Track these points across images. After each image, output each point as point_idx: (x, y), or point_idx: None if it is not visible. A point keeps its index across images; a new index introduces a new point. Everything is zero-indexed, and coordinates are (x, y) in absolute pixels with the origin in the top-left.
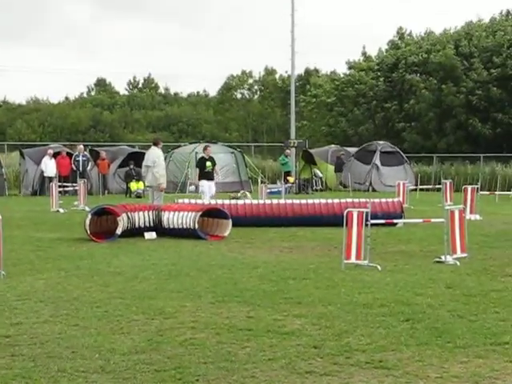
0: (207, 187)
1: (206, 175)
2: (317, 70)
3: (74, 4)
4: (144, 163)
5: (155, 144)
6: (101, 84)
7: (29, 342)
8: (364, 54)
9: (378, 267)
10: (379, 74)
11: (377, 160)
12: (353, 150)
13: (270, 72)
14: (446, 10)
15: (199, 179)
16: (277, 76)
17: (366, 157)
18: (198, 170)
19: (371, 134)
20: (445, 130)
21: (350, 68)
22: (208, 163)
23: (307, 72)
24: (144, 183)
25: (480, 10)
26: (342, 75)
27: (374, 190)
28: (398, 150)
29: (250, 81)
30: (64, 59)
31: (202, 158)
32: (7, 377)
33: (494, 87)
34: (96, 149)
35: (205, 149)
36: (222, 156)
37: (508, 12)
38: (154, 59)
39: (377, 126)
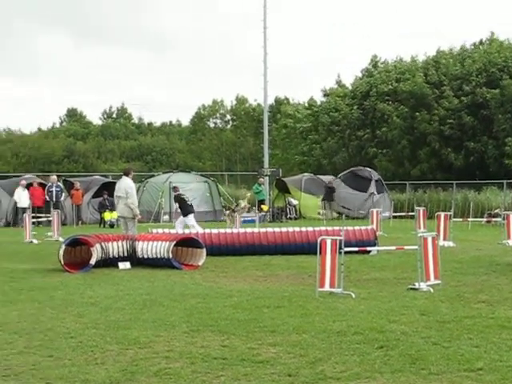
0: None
1: (191, 209)
2: (287, 99)
3: (48, 34)
4: (115, 193)
5: (126, 174)
6: (71, 114)
7: (3, 374)
8: (338, 82)
9: (352, 295)
10: (353, 101)
11: (373, 188)
12: (326, 178)
13: (241, 101)
14: (416, 37)
15: (185, 215)
16: (248, 105)
17: (357, 183)
18: (177, 206)
19: (345, 162)
20: (418, 158)
21: (325, 95)
22: (186, 198)
23: (278, 101)
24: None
25: (453, 38)
26: (318, 102)
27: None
28: (381, 178)
29: (222, 110)
30: (36, 90)
31: (179, 195)
32: None
33: (466, 114)
34: (70, 179)
35: (175, 189)
36: (196, 185)
37: (481, 41)
38: (127, 89)
39: (350, 154)
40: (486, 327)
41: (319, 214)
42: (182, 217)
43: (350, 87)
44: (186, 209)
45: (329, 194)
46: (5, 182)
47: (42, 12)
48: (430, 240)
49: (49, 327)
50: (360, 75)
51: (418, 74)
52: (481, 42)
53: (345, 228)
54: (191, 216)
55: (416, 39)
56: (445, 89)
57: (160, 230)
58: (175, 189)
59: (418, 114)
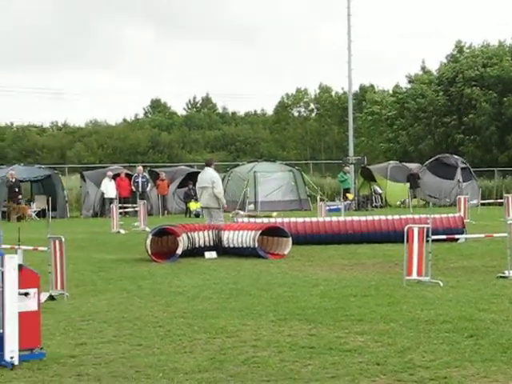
0: None
1: None
2: (372, 86)
3: (131, 25)
4: (198, 185)
5: (209, 165)
6: (155, 105)
7: (93, 362)
8: (423, 68)
9: (440, 283)
10: (439, 87)
11: (459, 176)
12: (413, 165)
13: (324, 90)
14: (505, 22)
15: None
16: (332, 93)
17: (443, 170)
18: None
19: (431, 149)
20: (506, 144)
21: (410, 82)
22: None
23: (362, 89)
24: None
25: None
26: (404, 89)
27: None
28: (468, 165)
29: (306, 99)
30: (121, 81)
31: None
32: None
33: None
34: (155, 169)
35: None
36: (281, 174)
37: None
38: (212, 79)
39: (436, 141)
40: None
41: (401, 202)
42: None
43: (435, 73)
44: None
45: (413, 181)
46: (92, 173)
47: (127, 4)
48: None
49: (137, 316)
50: (445, 61)
51: (505, 59)
52: None
53: (432, 216)
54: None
55: (503, 24)
56: None
57: (245, 220)
58: None
59: (505, 99)
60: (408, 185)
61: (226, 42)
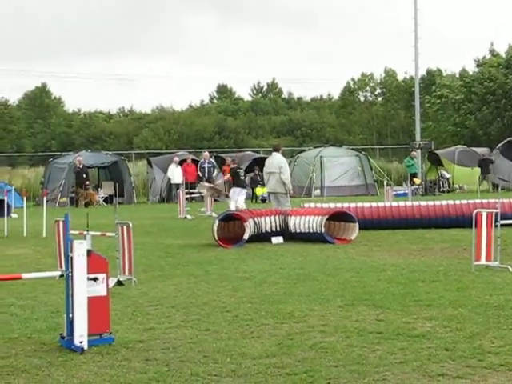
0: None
1: (242, 183)
2: (439, 71)
3: (197, 12)
4: (266, 170)
5: (276, 150)
6: (221, 91)
7: (162, 347)
8: (492, 51)
9: (510, 268)
10: (508, 70)
11: None
12: (481, 150)
13: (390, 74)
14: None
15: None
16: (398, 77)
17: None
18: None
19: (501, 132)
20: None
21: (478, 66)
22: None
23: (430, 73)
24: None
25: None
26: (470, 73)
27: None
28: None
29: (372, 83)
30: (186, 67)
31: (236, 168)
32: (142, 381)
33: None
34: (221, 155)
35: (234, 162)
36: (347, 159)
37: None
38: (277, 64)
39: (506, 124)
40: None
41: (460, 187)
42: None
43: (505, 56)
44: (237, 182)
45: (485, 166)
46: (158, 159)
47: None
48: None
49: (205, 301)
50: None
51: None
52: None
53: (501, 200)
54: (238, 189)
55: None
56: None
57: (312, 205)
58: (233, 161)
59: None
60: (479, 170)
61: (290, 27)
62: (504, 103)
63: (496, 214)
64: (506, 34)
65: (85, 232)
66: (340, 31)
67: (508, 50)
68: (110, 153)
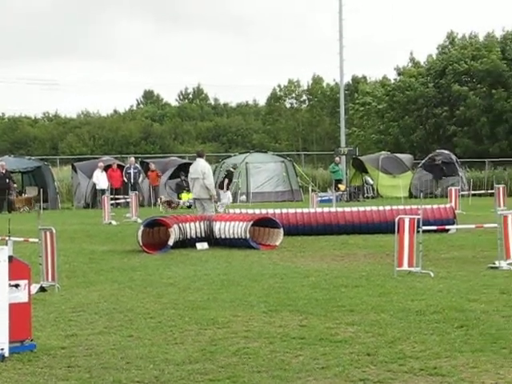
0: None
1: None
2: (365, 77)
3: (125, 17)
4: (190, 176)
5: (200, 156)
6: (148, 96)
7: (84, 354)
8: (412, 59)
9: (431, 274)
10: (428, 79)
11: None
12: (405, 156)
13: (317, 81)
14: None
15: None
16: (324, 84)
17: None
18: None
19: (423, 140)
20: (497, 135)
21: (399, 74)
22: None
23: (355, 80)
24: None
25: None
26: (392, 81)
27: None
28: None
29: (298, 90)
30: (113, 72)
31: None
32: None
33: None
34: (147, 161)
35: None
36: (273, 165)
37: None
38: (204, 70)
39: (428, 132)
40: None
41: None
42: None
43: (424, 65)
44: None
45: (437, 172)
46: (83, 164)
47: None
48: (510, 218)
49: (128, 307)
50: (435, 52)
51: (494, 50)
52: None
53: (423, 207)
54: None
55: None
56: None
57: (237, 211)
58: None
59: (495, 91)
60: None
61: (218, 33)
62: (426, 111)
63: (418, 220)
64: (426, 43)
65: (7, 237)
66: (268, 37)
67: (427, 59)
68: (34, 158)
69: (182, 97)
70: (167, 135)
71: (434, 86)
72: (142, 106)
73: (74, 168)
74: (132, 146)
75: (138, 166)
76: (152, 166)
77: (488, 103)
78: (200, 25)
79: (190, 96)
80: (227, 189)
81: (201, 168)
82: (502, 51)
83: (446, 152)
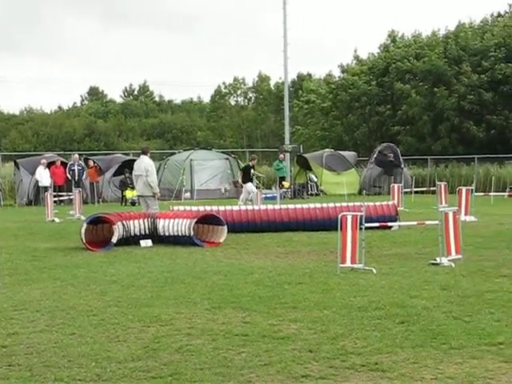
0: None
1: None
2: (310, 75)
3: (70, 13)
4: (134, 173)
5: (144, 153)
6: (93, 93)
7: (25, 352)
8: (356, 57)
9: (374, 270)
10: (371, 77)
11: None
12: (348, 153)
13: (263, 78)
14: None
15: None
16: (271, 82)
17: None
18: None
19: (366, 137)
20: (439, 133)
21: (343, 72)
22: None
23: (300, 77)
24: None
25: (473, 12)
26: (336, 78)
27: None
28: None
29: (243, 88)
30: (58, 69)
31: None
32: None
33: (485, 91)
34: (91, 158)
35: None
36: (217, 162)
37: (498, 14)
38: (149, 67)
39: (371, 129)
40: (508, 301)
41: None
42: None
43: (368, 63)
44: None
45: (389, 168)
46: (26, 161)
47: None
48: (451, 215)
49: (71, 305)
50: (378, 51)
51: (438, 48)
52: (499, 15)
53: (366, 204)
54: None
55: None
56: (463, 66)
57: (181, 208)
58: (253, 159)
59: (436, 89)
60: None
61: (163, 31)
62: (369, 109)
63: (361, 217)
64: (371, 41)
65: None
66: (214, 35)
67: (369, 57)
68: None
69: (126, 94)
70: (111, 132)
71: (377, 84)
72: (86, 102)
73: (16, 164)
74: (76, 142)
75: (81, 163)
76: (91, 163)
77: (430, 101)
78: (147, 22)
79: (135, 93)
80: (248, 182)
81: (144, 165)
82: (444, 50)
83: (393, 145)
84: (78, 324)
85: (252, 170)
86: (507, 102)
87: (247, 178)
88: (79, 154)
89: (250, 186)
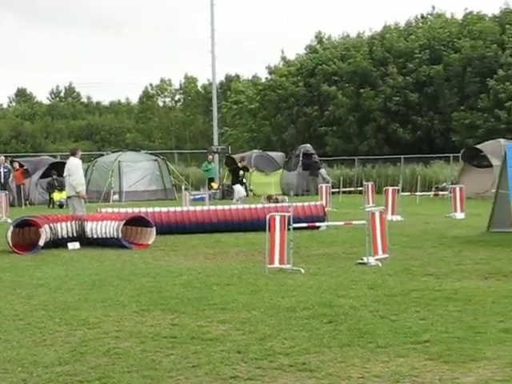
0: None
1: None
2: (238, 76)
3: None
4: (64, 174)
5: (73, 154)
6: (21, 94)
7: None
8: (283, 58)
9: (302, 270)
10: (299, 78)
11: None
12: (276, 154)
13: (191, 80)
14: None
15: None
16: (199, 84)
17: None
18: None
19: (294, 138)
20: (365, 133)
21: (270, 73)
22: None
23: (228, 78)
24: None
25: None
26: (263, 80)
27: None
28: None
29: (170, 89)
30: None
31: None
32: None
33: (411, 92)
34: (17, 160)
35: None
36: (146, 164)
37: (422, 16)
38: (76, 68)
39: (298, 130)
40: (433, 300)
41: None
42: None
43: (296, 63)
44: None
45: (312, 169)
46: None
47: None
48: (377, 215)
49: None
50: (304, 52)
51: (363, 50)
52: (422, 17)
53: (294, 204)
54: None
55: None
56: (389, 67)
57: (109, 210)
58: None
59: (362, 90)
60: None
61: (90, 31)
62: (296, 110)
63: (289, 217)
64: (298, 43)
65: None
66: (142, 37)
67: (296, 59)
68: None
69: (53, 95)
70: (38, 134)
71: (304, 85)
72: (13, 104)
73: None
74: (2, 144)
75: (8, 165)
76: (17, 165)
77: (356, 102)
78: (72, 23)
79: (62, 94)
80: (237, 183)
81: (69, 166)
82: (369, 52)
83: (309, 145)
84: (4, 329)
85: (241, 172)
86: (432, 103)
87: (236, 179)
88: (5, 156)
89: (238, 187)
